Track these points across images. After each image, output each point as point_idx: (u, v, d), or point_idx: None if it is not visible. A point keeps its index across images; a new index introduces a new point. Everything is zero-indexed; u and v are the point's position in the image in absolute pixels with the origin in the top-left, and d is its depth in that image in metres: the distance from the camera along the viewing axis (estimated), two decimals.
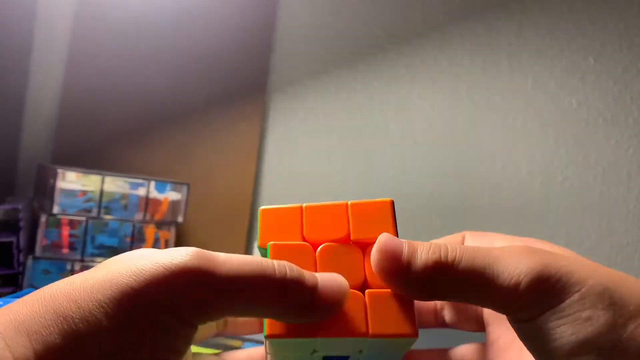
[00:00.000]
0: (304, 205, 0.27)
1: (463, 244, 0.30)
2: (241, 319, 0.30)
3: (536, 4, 0.91)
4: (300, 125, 0.90)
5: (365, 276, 0.25)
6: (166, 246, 0.66)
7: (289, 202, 0.78)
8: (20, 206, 0.64)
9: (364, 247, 0.26)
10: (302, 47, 0.91)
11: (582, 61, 0.91)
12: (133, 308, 0.20)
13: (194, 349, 0.46)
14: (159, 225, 0.66)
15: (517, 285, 0.22)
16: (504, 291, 0.23)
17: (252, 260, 0.22)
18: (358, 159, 0.90)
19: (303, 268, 0.23)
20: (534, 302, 0.23)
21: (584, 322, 0.22)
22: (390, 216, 0.26)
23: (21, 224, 0.64)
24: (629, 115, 0.90)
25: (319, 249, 0.26)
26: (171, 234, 0.66)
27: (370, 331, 0.24)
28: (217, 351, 0.47)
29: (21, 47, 0.84)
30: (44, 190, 0.66)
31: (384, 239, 0.24)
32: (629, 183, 0.90)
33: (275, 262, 0.22)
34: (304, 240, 0.26)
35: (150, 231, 0.65)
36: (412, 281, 0.23)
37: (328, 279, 0.23)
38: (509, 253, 0.23)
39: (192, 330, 0.21)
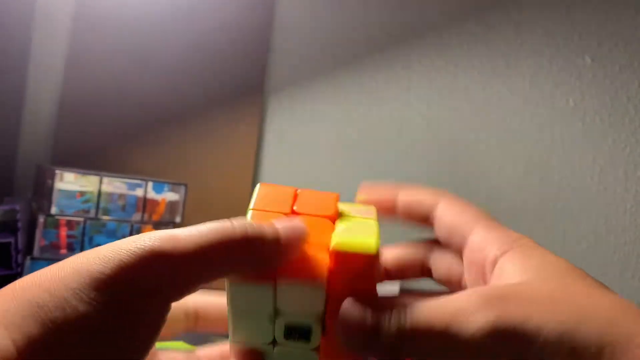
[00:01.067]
0: (299, 189, 0.29)
1: (435, 212, 0.31)
2: (212, 317, 0.31)
3: (533, 4, 0.91)
4: (297, 126, 0.91)
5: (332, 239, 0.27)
6: None
7: None
8: (18, 207, 0.64)
9: (333, 219, 0.28)
10: (299, 47, 0.91)
11: (579, 61, 0.91)
12: (106, 292, 0.20)
13: (162, 344, 0.46)
14: (157, 225, 0.66)
15: (475, 342, 0.22)
16: (465, 350, 0.22)
17: (211, 227, 0.23)
18: (355, 158, 0.91)
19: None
20: (495, 356, 0.22)
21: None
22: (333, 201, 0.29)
23: (19, 224, 0.64)
24: (626, 114, 0.91)
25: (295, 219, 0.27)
26: None
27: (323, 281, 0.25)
28: (190, 346, 0.47)
29: (20, 48, 0.84)
30: (43, 191, 0.66)
31: (346, 310, 0.24)
32: (626, 182, 0.90)
33: (234, 220, 0.23)
34: (293, 212, 0.28)
35: (148, 232, 0.66)
36: (379, 350, 0.23)
37: (287, 224, 0.25)
38: (465, 307, 0.23)
39: (166, 306, 0.22)
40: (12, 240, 0.63)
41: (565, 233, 0.89)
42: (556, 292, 0.24)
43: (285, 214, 0.28)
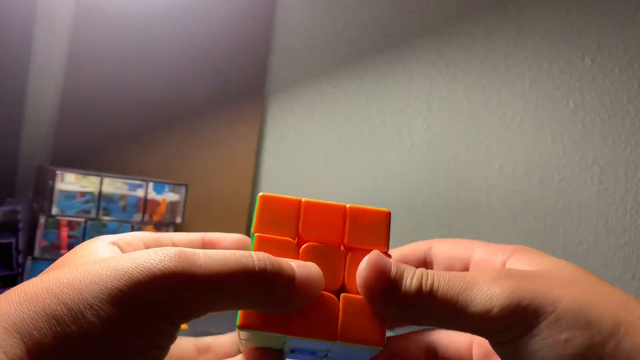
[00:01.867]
0: (303, 199, 0.27)
1: (430, 252, 0.31)
2: (222, 353, 0.31)
3: (533, 5, 0.91)
4: (298, 126, 0.91)
5: (343, 280, 0.26)
6: None
7: None
8: (19, 207, 0.65)
9: (348, 251, 0.26)
10: (300, 48, 0.91)
11: (579, 62, 0.91)
12: (122, 309, 0.20)
13: None
14: (158, 226, 0.66)
15: (489, 311, 0.23)
16: (477, 317, 0.23)
17: (231, 256, 0.22)
18: (356, 159, 0.91)
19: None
20: (508, 326, 0.23)
21: (563, 344, 0.22)
22: (385, 228, 0.27)
23: (20, 225, 0.64)
24: (626, 115, 0.91)
25: (303, 246, 0.26)
26: None
27: (339, 336, 0.24)
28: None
29: (21, 49, 0.84)
30: (44, 191, 0.66)
31: (374, 257, 0.24)
32: (627, 183, 0.90)
33: (255, 254, 0.23)
34: (298, 235, 0.26)
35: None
36: (394, 304, 0.24)
37: (303, 268, 0.24)
38: (482, 278, 0.24)
39: (176, 328, 0.22)
40: (13, 240, 0.63)
41: (566, 234, 0.89)
42: (573, 276, 0.24)
43: (301, 238, 0.26)
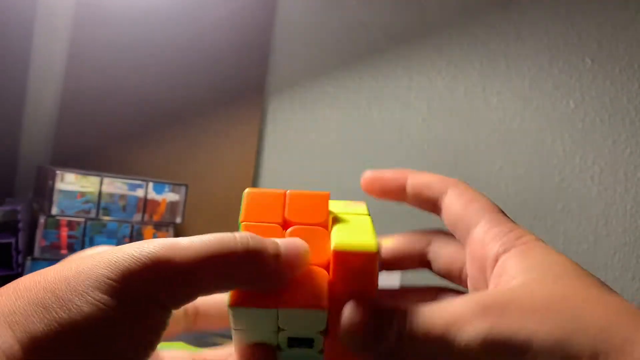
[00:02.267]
0: (288, 191, 0.28)
1: (443, 203, 0.32)
2: (212, 315, 0.31)
3: (533, 5, 0.91)
4: (298, 126, 0.91)
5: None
6: None
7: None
8: (19, 207, 0.64)
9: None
10: (300, 48, 0.91)
11: (579, 62, 0.91)
12: (112, 295, 0.21)
13: (162, 344, 0.46)
14: (158, 226, 0.66)
15: (469, 351, 0.22)
16: (457, 358, 0.23)
17: (213, 238, 0.23)
18: (356, 159, 0.91)
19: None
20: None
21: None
22: (324, 207, 0.28)
23: (20, 225, 0.64)
24: (626, 115, 0.91)
25: (288, 230, 0.27)
26: (170, 234, 0.67)
27: (327, 306, 0.25)
28: (190, 347, 0.47)
29: (21, 49, 0.84)
30: (43, 191, 0.66)
31: (348, 315, 0.24)
32: (627, 183, 0.90)
33: (237, 234, 0.23)
34: (285, 221, 0.27)
35: (148, 232, 0.66)
36: (379, 353, 0.24)
37: (288, 242, 0.25)
38: (462, 314, 0.23)
39: (167, 313, 0.22)
40: (12, 240, 0.63)
41: (566, 234, 0.89)
42: (553, 297, 0.24)
43: (279, 225, 0.27)
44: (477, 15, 0.91)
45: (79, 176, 0.64)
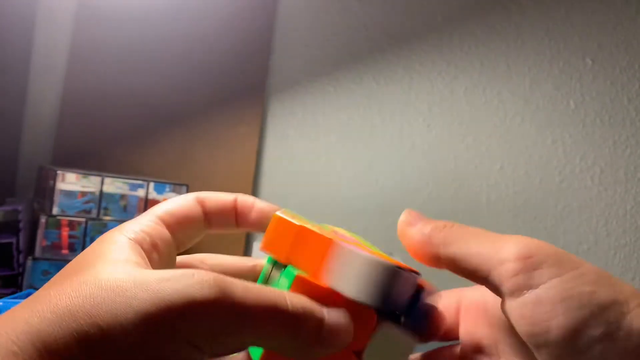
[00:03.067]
0: (301, 225, 0.26)
1: None
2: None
3: (534, 6, 0.91)
4: (299, 127, 0.91)
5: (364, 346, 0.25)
6: None
7: (289, 202, 0.78)
8: (20, 207, 0.65)
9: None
10: (301, 49, 0.91)
11: (580, 62, 0.91)
12: (153, 334, 0.20)
13: None
14: None
15: (524, 252, 0.24)
16: (511, 257, 0.25)
17: (267, 293, 0.22)
18: (356, 160, 0.91)
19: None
20: (537, 267, 0.24)
21: (588, 295, 0.23)
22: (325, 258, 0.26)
23: (21, 225, 0.64)
24: (627, 116, 0.91)
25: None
26: None
27: None
28: None
29: (22, 49, 0.84)
30: (44, 191, 0.66)
31: (405, 217, 0.29)
32: (627, 184, 0.90)
33: (287, 294, 0.23)
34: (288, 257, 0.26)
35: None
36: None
37: (335, 314, 0.24)
38: (510, 238, 0.26)
39: (203, 357, 0.21)
40: (14, 240, 0.63)
41: (566, 234, 0.90)
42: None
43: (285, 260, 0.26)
44: (478, 16, 0.91)
45: (80, 176, 0.64)
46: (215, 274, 0.21)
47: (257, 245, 0.71)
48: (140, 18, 0.86)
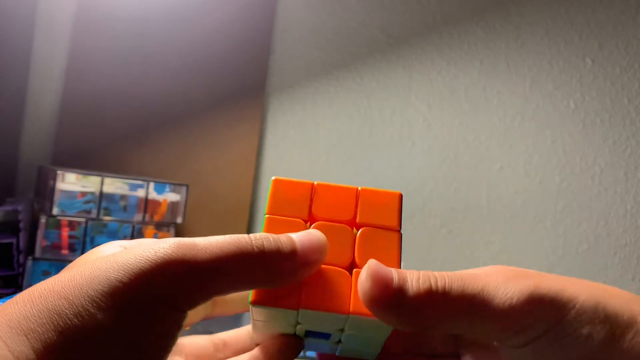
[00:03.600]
0: (315, 182, 0.28)
1: None
2: (230, 301, 0.31)
3: (533, 5, 0.91)
4: (298, 126, 0.91)
5: (354, 256, 0.26)
6: None
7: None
8: (20, 207, 0.65)
9: (358, 228, 0.27)
10: (300, 48, 0.91)
11: (580, 62, 0.91)
12: (124, 301, 0.20)
13: None
14: (159, 226, 0.66)
15: (511, 308, 0.22)
16: (498, 315, 0.22)
17: (230, 240, 0.22)
18: (356, 159, 0.91)
19: None
20: (530, 323, 0.22)
21: (584, 339, 0.22)
22: (396, 208, 0.27)
23: (21, 225, 0.64)
24: (626, 116, 0.91)
25: (313, 225, 0.26)
26: (170, 234, 0.67)
27: (352, 309, 0.24)
28: None
29: (21, 50, 0.84)
30: (44, 191, 0.66)
31: (373, 265, 0.23)
32: (627, 183, 0.90)
33: (252, 236, 0.23)
34: (311, 216, 0.27)
35: (149, 232, 0.66)
36: (404, 311, 0.23)
37: (305, 235, 0.24)
38: (497, 277, 0.23)
39: (183, 315, 0.22)
40: (14, 240, 0.63)
41: (566, 234, 0.90)
42: (583, 280, 0.25)
43: (304, 220, 0.27)
44: (478, 15, 0.91)
45: (80, 176, 0.64)
46: (177, 238, 0.22)
47: None
48: (140, 19, 0.86)
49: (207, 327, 0.56)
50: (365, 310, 0.24)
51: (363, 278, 0.23)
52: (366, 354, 0.29)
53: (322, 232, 0.25)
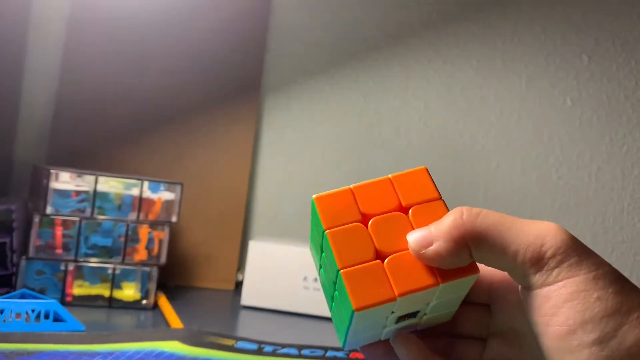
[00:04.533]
0: (352, 186, 0.31)
1: None
2: None
3: (530, 2, 0.91)
4: (294, 125, 0.90)
5: None
6: (160, 246, 0.66)
7: (285, 202, 0.79)
8: (13, 207, 0.64)
9: (406, 210, 0.30)
10: (296, 47, 0.91)
11: (576, 59, 0.91)
12: None
13: (156, 343, 0.46)
14: (153, 225, 0.66)
15: (541, 247, 0.26)
16: (528, 252, 0.26)
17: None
18: (353, 158, 0.90)
19: (362, 246, 0.29)
20: (554, 266, 0.25)
21: (594, 301, 0.24)
22: (429, 181, 0.31)
23: (15, 224, 0.64)
24: (623, 113, 0.91)
25: (369, 222, 0.30)
26: (165, 233, 0.67)
27: (441, 280, 0.28)
28: (186, 346, 0.47)
29: (15, 49, 0.84)
30: (38, 190, 0.66)
31: (410, 237, 0.29)
32: (624, 181, 0.90)
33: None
34: (362, 215, 0.30)
35: (144, 231, 0.65)
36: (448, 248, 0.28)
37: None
38: (536, 223, 0.27)
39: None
40: (7, 240, 0.63)
41: None
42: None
43: (359, 221, 0.30)
44: (474, 13, 0.91)
45: (74, 175, 0.64)
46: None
47: (253, 244, 0.71)
48: (134, 17, 0.86)
49: (205, 327, 0.56)
50: (451, 276, 0.28)
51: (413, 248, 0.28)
52: (445, 316, 0.33)
53: (380, 225, 0.29)
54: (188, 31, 0.87)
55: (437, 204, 0.30)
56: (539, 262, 0.26)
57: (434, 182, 0.31)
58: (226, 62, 0.87)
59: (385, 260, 0.28)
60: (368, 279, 0.28)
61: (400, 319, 0.30)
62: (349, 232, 0.29)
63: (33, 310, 0.51)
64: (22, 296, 0.54)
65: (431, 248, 0.27)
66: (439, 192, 0.30)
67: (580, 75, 0.91)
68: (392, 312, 0.29)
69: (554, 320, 0.25)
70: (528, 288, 0.27)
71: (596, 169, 0.90)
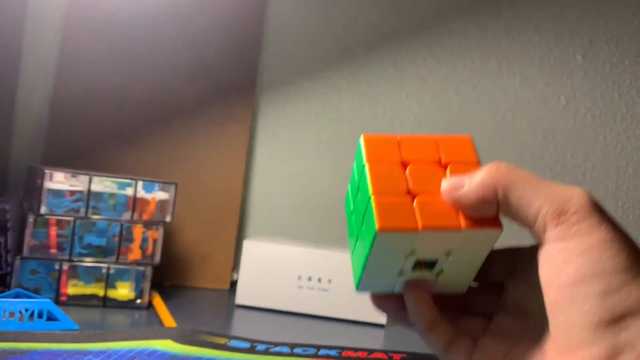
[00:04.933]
0: (398, 135, 0.35)
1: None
2: None
3: (524, 2, 0.91)
4: (289, 125, 0.91)
5: None
6: (154, 246, 0.66)
7: (280, 202, 0.79)
8: (7, 207, 0.65)
9: (445, 166, 0.32)
10: (291, 46, 0.91)
11: (570, 58, 0.91)
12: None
13: (149, 342, 0.47)
14: (147, 224, 0.66)
15: (567, 203, 0.27)
16: (553, 205, 0.28)
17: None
18: (348, 158, 0.90)
19: (396, 182, 0.31)
20: (574, 222, 0.27)
21: (607, 258, 0.26)
22: (471, 146, 0.34)
23: (9, 224, 0.64)
24: (617, 111, 0.91)
25: (408, 167, 0.32)
26: (159, 233, 0.67)
27: (464, 225, 0.29)
28: (179, 345, 0.47)
29: (11, 49, 0.84)
30: (33, 190, 0.66)
31: (444, 181, 0.31)
32: (618, 180, 0.90)
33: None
34: (402, 160, 0.32)
35: (138, 231, 0.66)
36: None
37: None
38: (564, 185, 0.29)
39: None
40: (1, 240, 0.63)
41: None
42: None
43: (399, 164, 0.32)
44: (468, 13, 0.91)
45: (68, 175, 0.64)
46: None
47: (247, 243, 0.71)
48: (130, 17, 0.86)
49: (199, 326, 0.56)
50: (474, 224, 0.29)
51: (445, 192, 0.31)
52: (460, 285, 0.34)
53: (417, 171, 0.32)
54: (183, 31, 0.87)
55: (475, 167, 0.31)
56: (561, 215, 0.27)
57: (475, 148, 0.33)
58: (221, 62, 0.87)
59: (416, 199, 0.30)
60: (396, 208, 0.29)
61: (417, 267, 0.31)
62: (387, 168, 0.31)
63: (26, 310, 0.51)
64: (17, 296, 0.54)
65: (461, 190, 0.29)
66: (479, 159, 0.32)
67: (574, 75, 0.91)
68: (412, 253, 0.30)
69: (564, 271, 0.26)
70: (547, 241, 0.28)
71: (591, 167, 0.91)
